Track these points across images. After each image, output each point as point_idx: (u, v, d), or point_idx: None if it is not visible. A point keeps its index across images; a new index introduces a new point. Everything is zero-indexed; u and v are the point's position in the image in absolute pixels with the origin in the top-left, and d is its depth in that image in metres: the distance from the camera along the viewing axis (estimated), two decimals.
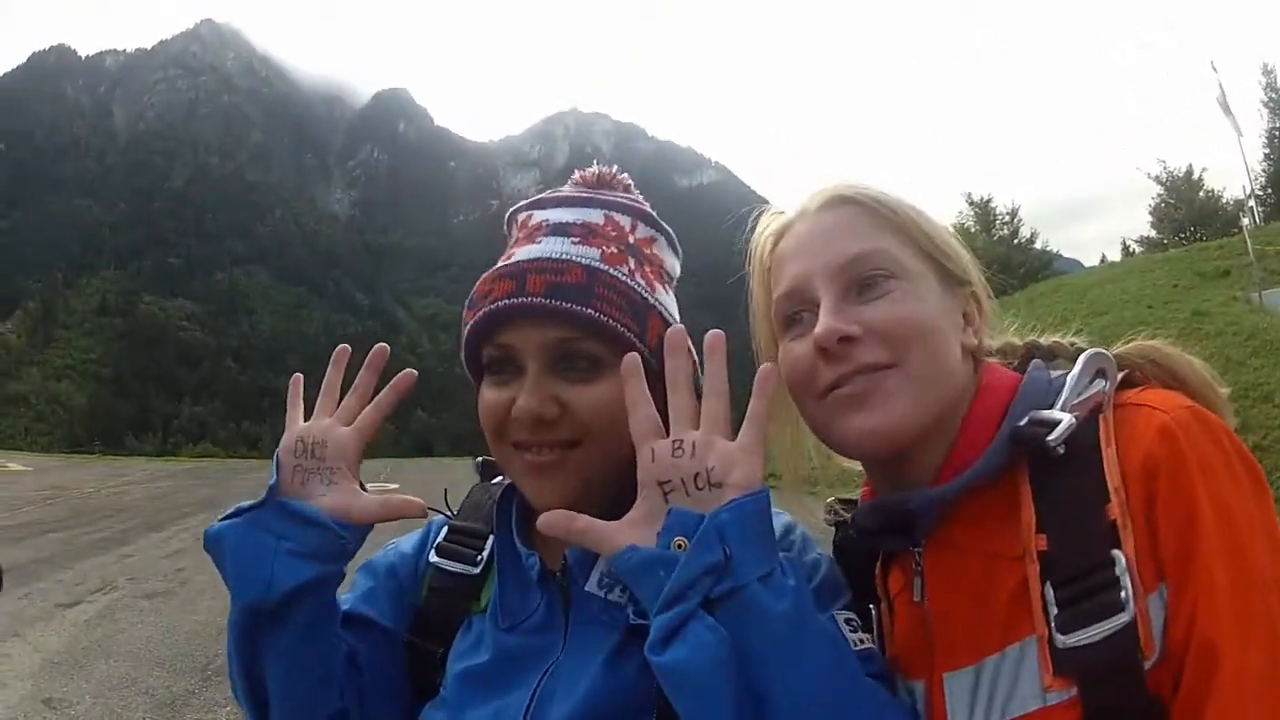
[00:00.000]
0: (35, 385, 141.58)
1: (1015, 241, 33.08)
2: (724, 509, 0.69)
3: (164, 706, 4.86)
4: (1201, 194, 30.93)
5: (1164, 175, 31.61)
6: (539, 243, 0.88)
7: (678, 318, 0.93)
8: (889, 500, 0.82)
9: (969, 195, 34.45)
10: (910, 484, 0.80)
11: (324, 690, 0.87)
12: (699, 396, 0.77)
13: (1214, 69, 19.13)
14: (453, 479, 1.20)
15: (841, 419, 0.78)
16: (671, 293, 0.95)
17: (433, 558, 0.98)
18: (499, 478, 1.01)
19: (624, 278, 0.87)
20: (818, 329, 0.77)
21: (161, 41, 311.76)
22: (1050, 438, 0.69)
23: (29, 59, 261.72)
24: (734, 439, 0.74)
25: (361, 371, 0.93)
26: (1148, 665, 0.62)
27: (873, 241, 0.81)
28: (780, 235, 0.88)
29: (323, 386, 0.92)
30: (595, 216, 0.91)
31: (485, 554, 0.96)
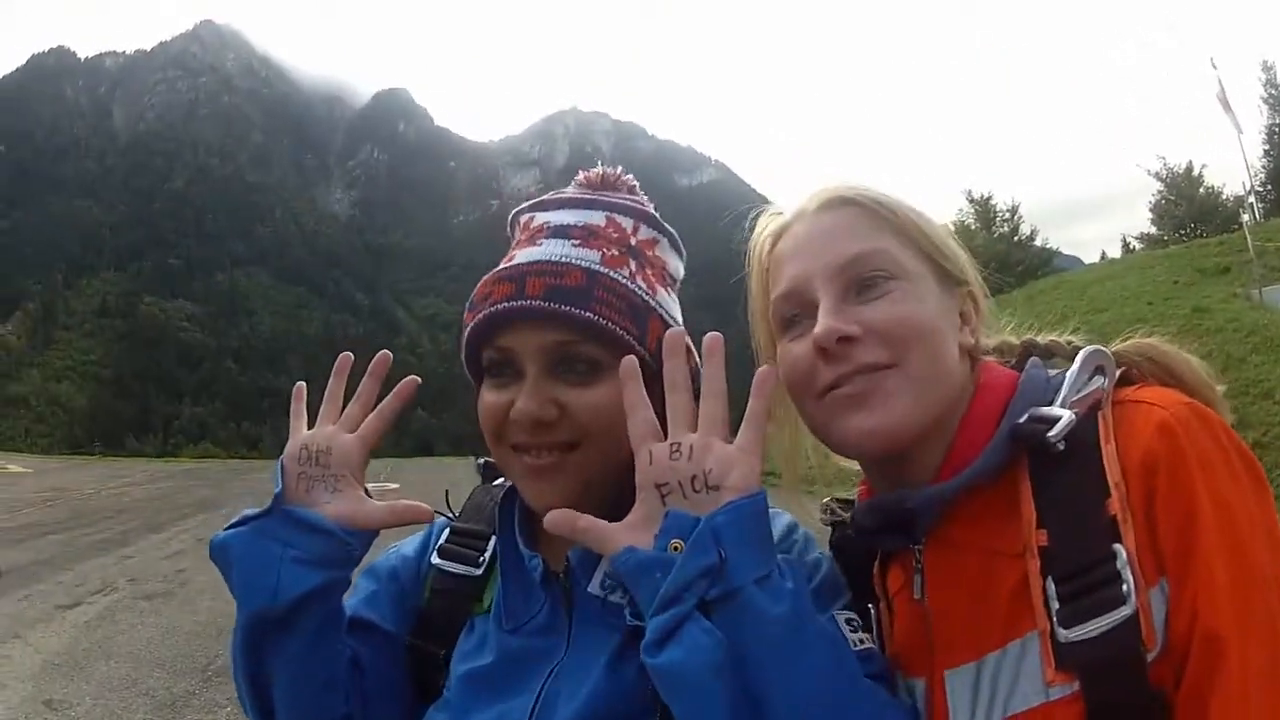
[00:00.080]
0: (35, 386, 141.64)
1: (1015, 239, 32.98)
2: (720, 511, 0.69)
3: (164, 707, 4.85)
4: (1202, 190, 30.85)
5: (1164, 172, 31.52)
6: (540, 245, 0.88)
7: (680, 320, 0.93)
8: (889, 499, 0.81)
9: (969, 193, 34.38)
10: (910, 483, 0.80)
11: (329, 695, 0.87)
12: (699, 398, 0.77)
13: (1214, 66, 19.15)
14: (453, 479, 1.20)
15: (841, 419, 0.78)
16: (674, 295, 0.95)
17: (435, 559, 0.98)
18: (500, 479, 1.01)
19: (624, 280, 0.86)
20: (817, 329, 0.77)
21: (161, 42, 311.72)
22: (1050, 434, 0.70)
23: (29, 60, 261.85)
24: (733, 440, 0.74)
25: (364, 379, 0.93)
26: (1149, 659, 0.62)
27: (871, 242, 0.81)
28: (778, 236, 0.88)
29: (326, 394, 0.92)
30: (597, 218, 0.91)
31: (487, 555, 0.96)
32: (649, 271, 0.91)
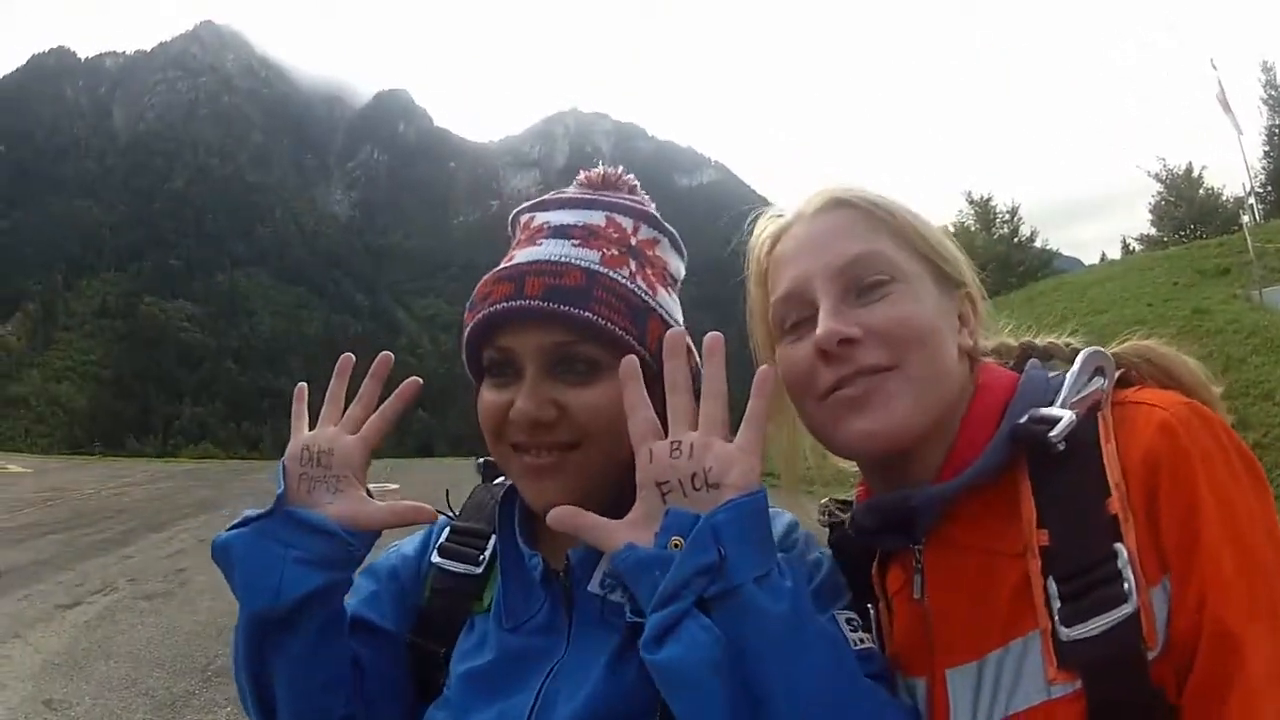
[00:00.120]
0: (35, 387, 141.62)
1: (1015, 240, 33.02)
2: (720, 509, 0.69)
3: (164, 707, 4.85)
4: (1201, 192, 30.84)
5: (1164, 173, 31.53)
6: (539, 245, 0.88)
7: (680, 320, 0.93)
8: (890, 499, 0.82)
9: (969, 194, 34.40)
10: (910, 484, 0.81)
11: (331, 696, 0.87)
12: (699, 398, 0.77)
13: (1214, 67, 19.13)
14: (454, 479, 1.22)
15: (843, 421, 0.79)
16: (675, 295, 0.95)
17: (435, 558, 0.98)
18: (500, 478, 1.01)
19: (624, 280, 0.86)
20: (819, 331, 0.78)
21: (161, 43, 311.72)
22: (1052, 434, 0.70)
23: (29, 60, 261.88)
24: (733, 440, 0.75)
25: (366, 380, 0.93)
26: (1150, 657, 0.63)
27: (870, 244, 0.81)
28: (777, 238, 0.88)
29: (327, 395, 0.92)
30: (597, 218, 0.91)
31: (487, 554, 0.96)
32: (649, 271, 0.91)
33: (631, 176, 0.99)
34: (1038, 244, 33.56)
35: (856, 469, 0.90)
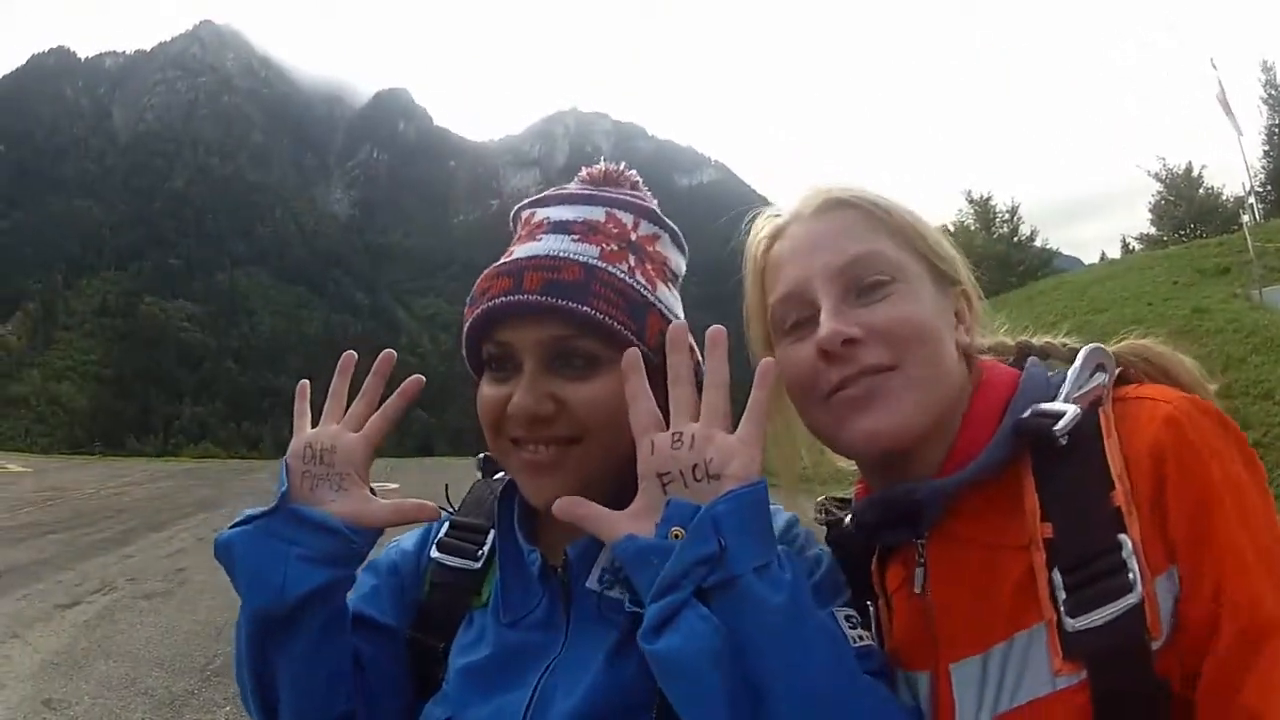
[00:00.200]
0: (35, 386, 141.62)
1: (1015, 239, 33.02)
2: (721, 500, 0.70)
3: (163, 707, 4.84)
4: (1201, 191, 30.86)
5: (1164, 173, 31.53)
6: (539, 240, 0.88)
7: (681, 315, 0.93)
8: (895, 492, 0.81)
9: (969, 193, 34.43)
10: (913, 480, 0.81)
11: (332, 693, 0.87)
12: (700, 392, 0.78)
13: (1214, 66, 19.08)
14: (454, 478, 1.23)
15: (847, 421, 0.79)
16: (675, 290, 0.95)
17: (434, 553, 0.99)
18: (500, 473, 1.01)
19: (623, 275, 0.86)
20: (821, 332, 0.78)
21: (161, 43, 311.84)
22: (1056, 428, 0.71)
23: (29, 60, 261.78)
24: (734, 432, 0.75)
25: (369, 377, 0.93)
26: (1155, 647, 0.63)
27: (870, 244, 0.81)
28: (775, 238, 0.88)
29: (330, 393, 0.92)
30: (597, 214, 0.91)
31: (486, 549, 0.96)
32: (649, 267, 0.90)
33: (634, 172, 0.98)
34: (1037, 243, 33.57)
35: (854, 467, 0.91)
